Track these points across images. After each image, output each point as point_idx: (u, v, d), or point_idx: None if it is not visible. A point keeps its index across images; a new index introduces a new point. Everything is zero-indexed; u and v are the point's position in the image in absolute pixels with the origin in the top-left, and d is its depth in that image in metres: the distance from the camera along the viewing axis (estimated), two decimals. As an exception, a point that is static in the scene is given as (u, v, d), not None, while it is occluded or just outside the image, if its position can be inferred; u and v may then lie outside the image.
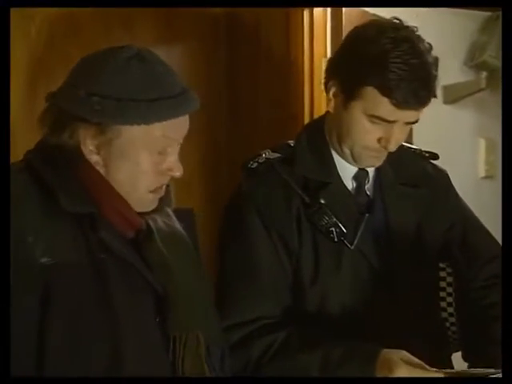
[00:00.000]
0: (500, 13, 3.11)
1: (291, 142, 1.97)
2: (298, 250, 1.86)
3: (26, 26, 2.28)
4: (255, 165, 1.93)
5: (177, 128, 1.56)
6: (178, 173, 1.59)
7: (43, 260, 1.46)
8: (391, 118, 1.81)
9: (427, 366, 1.69)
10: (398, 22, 1.85)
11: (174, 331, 1.58)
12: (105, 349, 1.48)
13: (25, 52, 2.30)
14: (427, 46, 1.83)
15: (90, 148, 1.52)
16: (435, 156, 2.10)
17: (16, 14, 2.09)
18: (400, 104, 1.78)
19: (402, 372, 1.68)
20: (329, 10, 2.57)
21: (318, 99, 2.57)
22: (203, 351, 1.60)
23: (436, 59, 1.83)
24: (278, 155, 1.93)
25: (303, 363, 1.78)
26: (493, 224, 2.11)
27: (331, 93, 1.88)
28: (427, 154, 2.09)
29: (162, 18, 2.58)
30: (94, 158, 1.53)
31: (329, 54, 2.57)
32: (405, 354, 1.71)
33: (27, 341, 1.45)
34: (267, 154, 1.94)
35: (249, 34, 2.70)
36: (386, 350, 1.73)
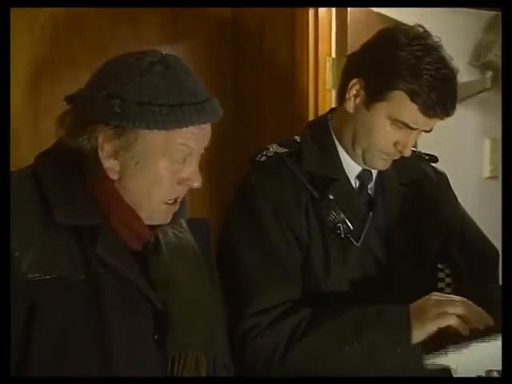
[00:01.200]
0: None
1: (297, 138, 1.98)
2: (307, 242, 1.87)
3: (30, 23, 2.27)
4: (264, 158, 1.93)
5: (198, 137, 1.52)
6: (196, 183, 1.55)
7: (29, 276, 1.41)
8: (414, 125, 1.82)
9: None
10: (422, 29, 1.85)
11: (173, 350, 1.51)
12: (94, 368, 1.42)
13: (29, 49, 2.28)
14: (448, 56, 1.83)
15: (107, 152, 1.47)
16: (435, 159, 2.11)
17: (20, 12, 2.09)
18: (427, 111, 1.79)
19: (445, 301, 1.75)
20: (334, 9, 2.57)
21: (323, 99, 2.56)
22: (202, 373, 1.53)
23: (457, 70, 1.84)
24: (286, 150, 1.93)
25: (337, 327, 1.78)
26: (497, 224, 2.11)
27: (352, 92, 1.87)
28: (427, 157, 2.10)
29: (168, 16, 2.57)
30: (111, 163, 1.48)
31: (334, 54, 2.57)
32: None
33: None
34: (275, 148, 1.94)
35: (254, 33, 2.70)
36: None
